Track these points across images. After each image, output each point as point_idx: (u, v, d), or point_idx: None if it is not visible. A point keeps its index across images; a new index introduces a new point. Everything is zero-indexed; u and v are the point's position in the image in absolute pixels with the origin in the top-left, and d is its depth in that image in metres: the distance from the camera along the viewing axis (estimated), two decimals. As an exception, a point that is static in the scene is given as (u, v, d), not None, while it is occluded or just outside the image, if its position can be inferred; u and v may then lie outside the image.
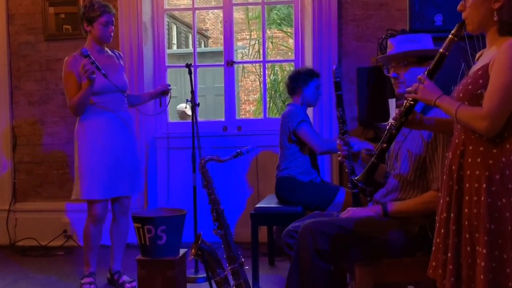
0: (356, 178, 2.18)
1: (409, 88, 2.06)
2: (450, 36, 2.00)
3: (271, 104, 8.49)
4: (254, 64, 10.23)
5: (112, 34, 3.47)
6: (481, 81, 1.87)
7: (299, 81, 3.76)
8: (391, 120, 2.19)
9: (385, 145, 2.15)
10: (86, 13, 3.44)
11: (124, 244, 3.68)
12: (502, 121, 1.81)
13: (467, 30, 1.97)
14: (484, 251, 1.81)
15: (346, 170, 2.67)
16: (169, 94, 3.81)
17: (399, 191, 2.46)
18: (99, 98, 3.43)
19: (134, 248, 4.08)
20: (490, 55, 1.89)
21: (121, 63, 3.65)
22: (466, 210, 1.87)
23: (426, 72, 2.04)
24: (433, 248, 2.01)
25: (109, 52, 3.61)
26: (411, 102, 2.09)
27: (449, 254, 1.91)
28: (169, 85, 3.83)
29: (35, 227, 4.76)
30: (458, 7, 1.97)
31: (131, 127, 3.60)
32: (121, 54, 3.75)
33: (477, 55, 2.05)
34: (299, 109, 3.74)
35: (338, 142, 2.68)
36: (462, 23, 1.97)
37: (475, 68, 1.97)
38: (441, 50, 2.02)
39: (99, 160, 3.44)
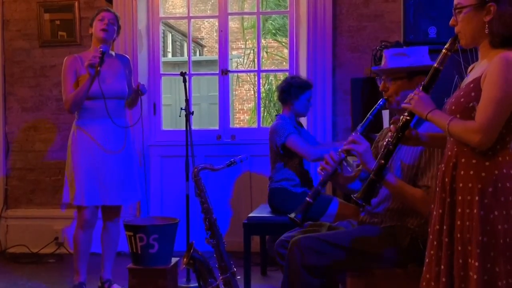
0: (355, 195, 2.18)
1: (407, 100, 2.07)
2: (443, 50, 2.01)
3: (265, 113, 8.51)
4: (248, 73, 10.27)
5: (107, 28, 3.44)
6: (473, 94, 1.88)
7: (290, 94, 3.75)
8: (384, 128, 2.20)
9: (383, 161, 2.16)
10: (90, 20, 3.55)
11: (115, 252, 3.66)
12: (495, 134, 1.82)
13: (461, 45, 1.99)
14: (477, 263, 1.81)
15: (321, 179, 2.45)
16: (141, 92, 3.56)
17: (391, 200, 2.46)
18: (94, 103, 3.43)
19: (125, 256, 4.06)
20: (482, 68, 1.91)
21: (125, 68, 3.61)
22: (458, 223, 1.88)
23: (421, 87, 2.05)
24: (427, 260, 2.00)
25: (114, 55, 3.60)
26: (407, 118, 2.10)
27: (442, 267, 1.91)
28: (142, 87, 3.58)
29: (27, 234, 4.73)
30: (450, 22, 1.99)
31: (125, 135, 3.56)
32: (127, 57, 3.73)
33: (469, 68, 2.07)
34: (286, 122, 3.72)
35: (328, 157, 2.47)
36: (455, 37, 1.99)
37: (467, 81, 1.98)
38: (435, 65, 2.03)
39: (88, 167, 3.42)
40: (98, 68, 3.30)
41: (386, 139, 2.19)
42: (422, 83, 2.06)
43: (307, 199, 2.39)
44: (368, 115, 2.49)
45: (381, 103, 2.50)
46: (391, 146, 2.14)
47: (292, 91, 3.75)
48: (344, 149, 2.39)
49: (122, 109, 3.57)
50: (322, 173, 2.43)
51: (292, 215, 2.38)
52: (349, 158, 3.26)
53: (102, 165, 3.44)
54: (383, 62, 2.53)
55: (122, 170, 3.51)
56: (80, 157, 3.43)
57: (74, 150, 3.46)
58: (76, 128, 3.49)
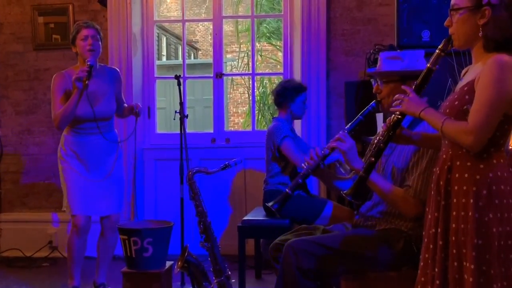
0: (345, 192, 2.19)
1: (396, 102, 2.08)
2: (437, 51, 2.02)
3: (259, 117, 8.50)
4: (243, 77, 10.26)
5: (92, 47, 3.36)
6: (467, 96, 1.89)
7: (286, 97, 3.77)
8: (379, 131, 2.21)
9: (373, 159, 2.16)
10: (70, 37, 3.48)
11: (110, 257, 3.64)
12: (487, 136, 1.83)
13: (454, 46, 2.00)
14: (472, 266, 1.82)
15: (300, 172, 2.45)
16: (137, 113, 3.57)
17: (384, 204, 2.47)
18: (82, 125, 3.42)
19: (119, 260, 4.05)
20: (475, 71, 1.92)
21: (114, 83, 3.57)
22: (453, 225, 1.88)
23: (413, 87, 2.07)
24: (421, 264, 2.01)
25: (103, 69, 3.55)
26: (399, 117, 2.11)
27: (436, 269, 1.92)
28: (139, 107, 3.60)
29: (20, 238, 4.71)
30: (445, 23, 2.00)
31: (114, 147, 3.56)
32: (117, 71, 3.67)
33: (463, 72, 2.08)
34: (283, 124, 3.74)
35: (313, 152, 2.46)
36: (448, 38, 2.00)
37: (461, 84, 1.99)
38: (428, 65, 2.05)
39: (78, 179, 3.42)
40: (86, 82, 3.25)
41: (377, 138, 2.19)
42: (415, 82, 2.08)
43: (286, 190, 2.39)
44: (358, 115, 2.50)
45: (373, 104, 2.52)
46: (381, 144, 2.15)
47: (287, 94, 3.76)
48: (329, 146, 2.40)
49: (111, 126, 3.58)
50: (305, 167, 2.43)
51: (270, 204, 2.38)
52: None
53: (92, 177, 3.45)
54: (378, 65, 2.55)
55: (114, 181, 3.53)
56: (70, 169, 3.43)
57: (62, 163, 3.46)
58: (64, 141, 3.47)
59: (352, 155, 2.33)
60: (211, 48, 5.84)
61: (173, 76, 3.87)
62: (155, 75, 4.84)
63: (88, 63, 3.31)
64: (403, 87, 2.07)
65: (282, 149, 3.66)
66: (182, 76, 4.00)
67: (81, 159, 3.45)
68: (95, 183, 3.46)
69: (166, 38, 14.59)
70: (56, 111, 3.37)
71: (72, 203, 3.40)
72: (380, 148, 2.15)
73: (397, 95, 2.08)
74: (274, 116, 3.98)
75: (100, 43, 3.45)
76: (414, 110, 2.00)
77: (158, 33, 12.64)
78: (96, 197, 3.45)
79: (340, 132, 2.42)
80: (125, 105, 3.70)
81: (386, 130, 2.14)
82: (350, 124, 2.50)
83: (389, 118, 2.19)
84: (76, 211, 3.39)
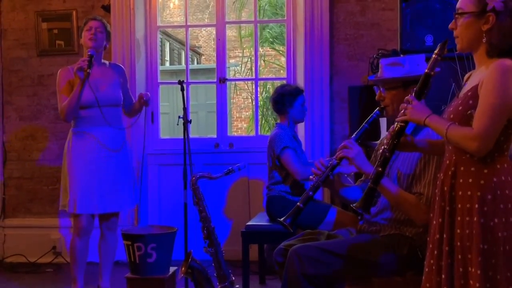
0: (354, 205, 2.17)
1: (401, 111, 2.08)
2: (433, 55, 2.03)
3: (263, 121, 8.51)
4: (246, 82, 10.27)
5: (95, 37, 3.43)
6: (471, 102, 1.89)
7: (284, 103, 3.77)
8: (382, 137, 2.21)
9: (380, 169, 2.16)
10: (80, 30, 3.56)
11: (112, 260, 3.64)
12: (492, 141, 1.83)
13: (457, 49, 2.01)
14: (478, 272, 1.81)
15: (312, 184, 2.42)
16: (146, 101, 3.57)
17: (389, 209, 2.46)
18: (88, 112, 3.43)
19: (123, 265, 4.05)
20: (479, 76, 1.92)
21: (119, 77, 3.61)
22: (458, 231, 1.88)
23: (413, 93, 2.07)
24: (426, 270, 2.00)
25: (107, 65, 3.61)
26: (402, 124, 2.11)
27: (443, 276, 1.91)
28: (148, 95, 3.61)
29: (24, 243, 4.71)
30: (450, 25, 2.01)
31: (121, 143, 3.56)
32: (121, 67, 3.73)
33: (466, 77, 2.08)
34: (285, 132, 3.73)
35: (318, 163, 2.44)
36: (444, 42, 2.01)
37: (465, 89, 1.99)
38: (426, 70, 2.05)
39: (83, 175, 3.41)
40: (88, 71, 3.30)
41: (382, 147, 2.19)
42: (414, 89, 2.08)
43: (298, 204, 2.38)
44: (363, 124, 2.49)
45: (377, 112, 2.51)
46: (387, 153, 2.15)
47: (285, 100, 3.77)
48: (337, 156, 2.39)
49: (118, 117, 3.58)
50: (314, 179, 2.42)
51: (282, 219, 2.37)
52: None
53: (98, 171, 3.43)
54: (379, 72, 2.55)
55: (118, 175, 3.50)
56: (75, 164, 3.42)
57: (69, 157, 3.45)
58: (72, 135, 3.49)
59: (361, 160, 2.32)
60: (214, 53, 5.85)
61: (177, 81, 3.87)
62: (159, 80, 4.84)
63: (89, 53, 3.36)
64: (406, 98, 2.07)
65: (281, 159, 3.65)
66: (185, 81, 4.00)
67: (85, 153, 3.43)
68: (108, 155, 3.44)
69: (169, 44, 14.63)
70: (62, 104, 3.42)
71: (75, 202, 3.38)
72: (386, 157, 2.15)
73: (401, 105, 2.08)
74: (277, 121, 3.98)
75: (104, 36, 3.50)
76: (419, 118, 2.00)
77: (161, 39, 12.67)
78: (103, 184, 3.42)
79: (346, 141, 2.42)
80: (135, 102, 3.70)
81: (390, 138, 2.14)
82: (355, 133, 2.49)
83: (392, 126, 2.19)
84: (79, 210, 3.38)
